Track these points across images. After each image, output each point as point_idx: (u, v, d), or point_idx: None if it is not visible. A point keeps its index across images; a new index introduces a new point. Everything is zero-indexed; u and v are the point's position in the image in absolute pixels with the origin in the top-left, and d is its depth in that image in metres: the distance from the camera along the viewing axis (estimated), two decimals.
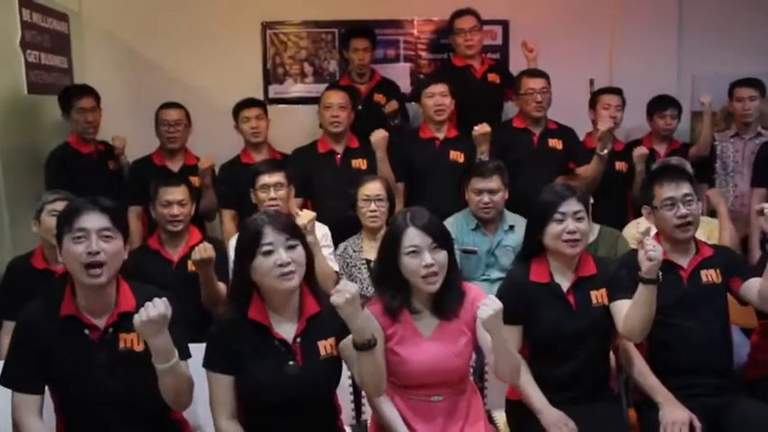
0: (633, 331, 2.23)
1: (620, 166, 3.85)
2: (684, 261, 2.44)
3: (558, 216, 2.27)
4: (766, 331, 2.67)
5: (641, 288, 2.17)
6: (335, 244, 3.23)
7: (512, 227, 3.22)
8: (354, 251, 3.13)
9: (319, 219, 3.35)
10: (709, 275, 2.43)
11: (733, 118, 4.07)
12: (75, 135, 3.61)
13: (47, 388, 1.98)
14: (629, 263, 2.37)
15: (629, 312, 2.21)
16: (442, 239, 2.09)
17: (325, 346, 2.01)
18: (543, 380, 2.30)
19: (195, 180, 3.53)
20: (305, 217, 2.82)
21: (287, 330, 1.99)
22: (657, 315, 2.36)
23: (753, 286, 2.36)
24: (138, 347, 1.95)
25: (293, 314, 2.01)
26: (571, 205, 2.29)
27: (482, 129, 3.46)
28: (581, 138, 3.90)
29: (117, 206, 2.02)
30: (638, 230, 2.24)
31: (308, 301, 2.03)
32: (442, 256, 2.07)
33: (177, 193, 3.02)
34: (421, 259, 2.05)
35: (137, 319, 1.77)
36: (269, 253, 1.92)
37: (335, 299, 1.82)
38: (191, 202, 3.08)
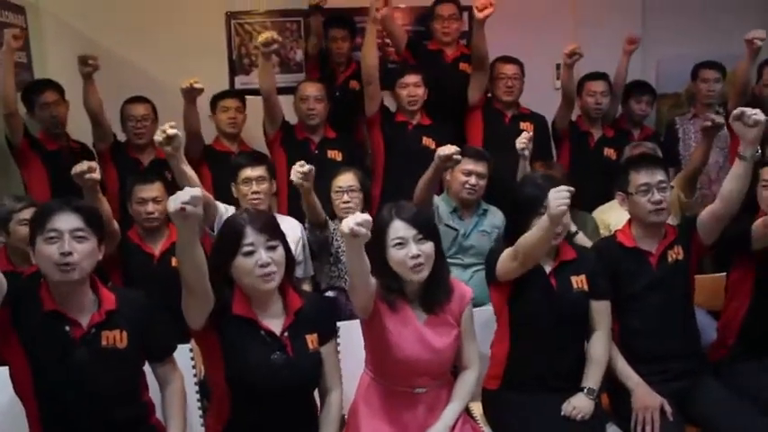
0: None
1: (608, 152, 3.87)
2: (653, 246, 2.50)
3: (542, 209, 2.28)
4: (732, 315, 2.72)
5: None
6: None
7: (485, 211, 3.28)
8: (339, 234, 3.12)
9: (293, 210, 3.36)
10: (674, 254, 2.50)
11: (694, 101, 4.13)
12: (43, 132, 3.53)
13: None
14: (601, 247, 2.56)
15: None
16: (428, 231, 2.13)
17: (311, 341, 2.05)
18: (522, 364, 2.35)
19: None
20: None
21: (274, 324, 2.02)
22: (628, 301, 2.45)
23: (705, 213, 2.45)
24: (121, 345, 1.95)
25: (278, 310, 2.04)
26: None
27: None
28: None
29: (91, 207, 2.00)
30: None
31: (290, 296, 2.06)
32: (429, 246, 2.11)
33: (152, 190, 3.00)
34: (407, 250, 2.08)
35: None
36: (250, 253, 1.94)
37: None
38: (166, 198, 3.04)
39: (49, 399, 1.91)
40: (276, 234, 2.00)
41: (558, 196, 2.05)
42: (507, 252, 2.28)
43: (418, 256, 2.08)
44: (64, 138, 3.61)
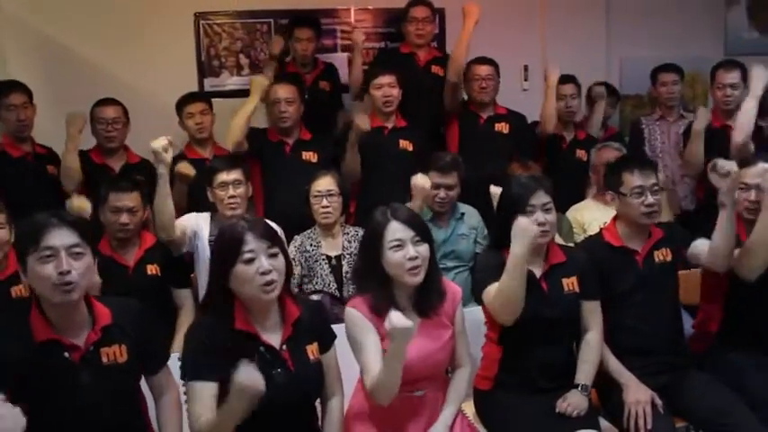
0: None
1: (580, 154, 3.94)
2: (639, 246, 2.55)
3: (528, 209, 2.32)
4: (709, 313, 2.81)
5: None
6: (287, 240, 3.17)
7: (462, 214, 3.31)
8: (312, 246, 3.10)
9: (269, 213, 3.32)
10: (660, 255, 2.56)
11: (657, 102, 4.25)
12: (7, 136, 3.40)
13: None
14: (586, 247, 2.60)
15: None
16: (423, 233, 2.13)
17: (312, 351, 2.01)
18: (515, 366, 2.36)
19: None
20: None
21: (272, 338, 1.96)
22: (615, 299, 2.49)
23: (697, 247, 2.54)
24: (122, 359, 1.88)
25: (276, 321, 1.98)
26: (540, 197, 2.34)
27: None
28: None
29: (83, 220, 1.93)
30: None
31: (288, 306, 2.00)
32: (425, 248, 2.11)
33: (128, 199, 2.87)
34: (405, 252, 2.07)
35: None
36: (250, 261, 1.87)
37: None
38: (142, 208, 2.94)
39: (46, 425, 1.80)
40: (276, 241, 1.94)
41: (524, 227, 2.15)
42: (488, 296, 2.31)
43: (416, 257, 2.07)
44: (29, 142, 3.49)
